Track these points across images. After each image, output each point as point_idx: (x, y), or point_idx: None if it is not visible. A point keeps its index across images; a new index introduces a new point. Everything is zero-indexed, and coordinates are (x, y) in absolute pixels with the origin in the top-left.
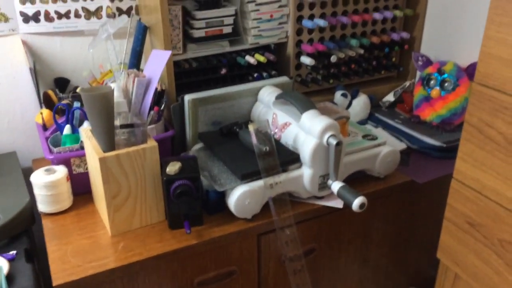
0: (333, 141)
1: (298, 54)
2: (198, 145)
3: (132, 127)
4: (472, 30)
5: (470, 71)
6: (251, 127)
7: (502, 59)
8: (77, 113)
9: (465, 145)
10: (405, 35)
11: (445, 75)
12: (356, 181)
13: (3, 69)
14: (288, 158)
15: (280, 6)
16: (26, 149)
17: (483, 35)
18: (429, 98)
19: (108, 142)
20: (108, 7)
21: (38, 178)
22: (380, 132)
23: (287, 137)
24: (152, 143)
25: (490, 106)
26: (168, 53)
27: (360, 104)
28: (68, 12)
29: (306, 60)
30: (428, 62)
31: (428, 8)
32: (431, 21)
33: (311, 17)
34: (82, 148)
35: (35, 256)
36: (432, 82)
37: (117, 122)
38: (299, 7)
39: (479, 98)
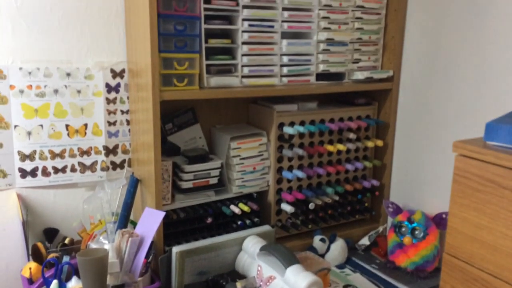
0: None
1: (279, 201)
2: None
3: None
4: (435, 181)
5: (437, 220)
6: (238, 285)
7: (467, 236)
8: (65, 268)
9: None
10: (375, 182)
11: (415, 224)
12: None
13: None
14: None
15: (262, 159)
16: None
17: (449, 208)
18: (402, 244)
19: None
20: (103, 161)
21: None
22: (358, 279)
23: None
24: None
25: (461, 276)
26: (161, 214)
27: (338, 248)
28: (65, 167)
29: (286, 207)
30: (398, 209)
31: (394, 159)
32: (397, 171)
33: (290, 169)
34: None
35: None
36: (403, 229)
37: (109, 282)
38: (279, 159)
39: (451, 267)
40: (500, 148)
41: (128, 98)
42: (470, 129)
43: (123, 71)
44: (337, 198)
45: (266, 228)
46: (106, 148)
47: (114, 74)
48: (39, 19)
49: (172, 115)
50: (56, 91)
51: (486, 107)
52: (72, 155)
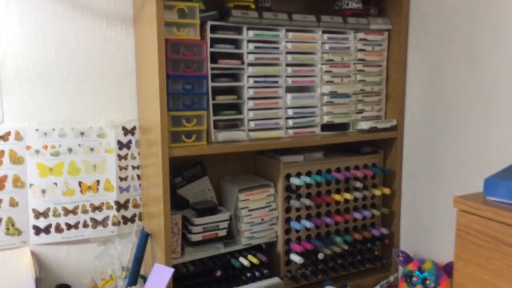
0: None
1: (288, 252)
2: None
3: None
4: (444, 229)
5: (448, 269)
6: None
7: None
8: None
9: None
10: (384, 230)
11: (426, 274)
12: None
13: (8, 279)
14: None
15: (270, 210)
16: None
17: (453, 263)
18: None
19: None
20: (114, 216)
21: None
22: None
23: None
24: None
25: None
26: (170, 271)
27: None
28: (77, 223)
29: (295, 258)
30: (408, 258)
31: (402, 207)
32: (406, 218)
33: (298, 219)
34: None
35: None
36: (414, 279)
37: None
38: (287, 210)
39: None
40: (499, 203)
41: (139, 153)
42: (477, 176)
43: (134, 128)
44: (346, 247)
45: (275, 280)
46: (117, 203)
47: (126, 131)
48: (55, 82)
49: (181, 169)
50: (70, 150)
51: (492, 155)
52: (85, 211)
